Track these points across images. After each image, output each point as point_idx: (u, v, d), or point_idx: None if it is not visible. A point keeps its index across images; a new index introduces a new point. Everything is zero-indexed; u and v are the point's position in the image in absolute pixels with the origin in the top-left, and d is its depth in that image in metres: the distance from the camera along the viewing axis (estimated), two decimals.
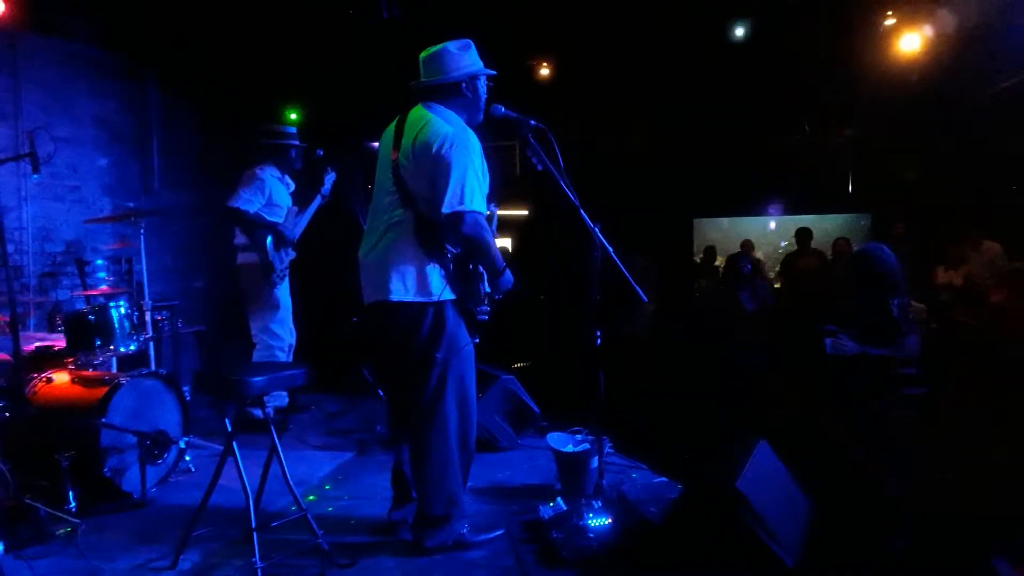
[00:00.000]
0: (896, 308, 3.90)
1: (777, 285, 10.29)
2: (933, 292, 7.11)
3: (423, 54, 3.23)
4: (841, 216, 10.65)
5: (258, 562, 2.87)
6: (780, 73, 7.94)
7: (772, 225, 11.68)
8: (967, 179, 7.85)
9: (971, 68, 6.97)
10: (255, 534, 2.91)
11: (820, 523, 3.18)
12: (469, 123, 3.21)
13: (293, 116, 7.58)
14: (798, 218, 10.60)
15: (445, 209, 2.96)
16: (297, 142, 5.32)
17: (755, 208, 10.95)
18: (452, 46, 3.19)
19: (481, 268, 3.23)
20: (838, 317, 3.99)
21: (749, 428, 3.49)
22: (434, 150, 3.00)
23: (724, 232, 11.32)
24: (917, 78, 7.30)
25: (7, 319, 3.74)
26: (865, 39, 7.39)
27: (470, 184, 2.99)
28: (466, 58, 3.20)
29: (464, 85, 3.19)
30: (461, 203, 2.96)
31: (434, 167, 3.00)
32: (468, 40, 3.23)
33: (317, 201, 5.42)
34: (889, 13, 7.20)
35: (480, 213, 3.03)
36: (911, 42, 7.15)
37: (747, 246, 10.34)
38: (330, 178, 5.45)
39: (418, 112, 3.17)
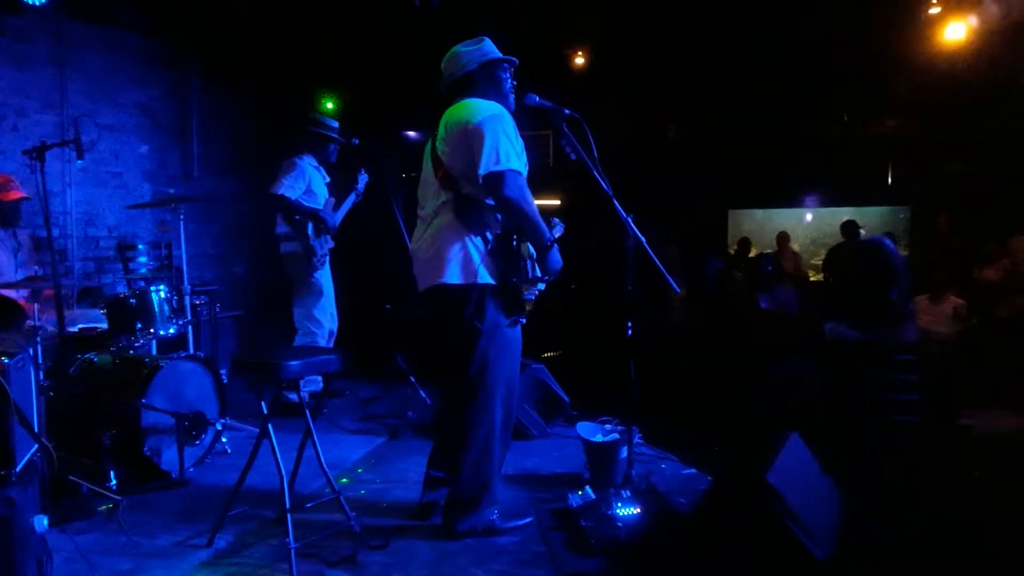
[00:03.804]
0: (896, 295, 3.88)
1: (815, 277, 10.16)
2: (976, 288, 6.98)
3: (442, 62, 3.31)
4: (880, 208, 10.47)
5: (292, 542, 2.91)
6: (818, 62, 7.80)
7: (808, 217, 11.52)
8: (1011, 172, 7.66)
9: (1017, 59, 6.79)
10: (289, 515, 2.96)
11: (851, 516, 3.15)
12: None
13: (330, 105, 7.65)
14: (835, 210, 10.44)
15: (482, 171, 2.98)
16: (337, 136, 5.39)
17: (791, 200, 10.82)
18: (462, 45, 3.27)
19: (530, 248, 3.22)
20: (838, 305, 3.97)
21: (780, 421, 3.47)
22: (466, 124, 3.06)
23: (759, 224, 11.19)
24: (961, 68, 7.13)
25: (51, 292, 3.84)
26: (907, 27, 7.23)
27: (504, 147, 3.01)
28: (478, 51, 3.24)
29: (478, 72, 3.22)
30: (498, 163, 2.98)
31: (468, 140, 3.04)
32: (481, 36, 3.28)
33: (351, 200, 5.51)
34: (933, 1, 7.03)
35: (519, 173, 3.04)
36: (956, 31, 6.98)
37: (783, 238, 10.21)
38: (363, 179, 5.55)
39: (452, 106, 3.22)
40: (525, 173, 3.15)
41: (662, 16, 7.33)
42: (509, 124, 3.11)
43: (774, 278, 7.17)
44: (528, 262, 3.22)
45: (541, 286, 3.29)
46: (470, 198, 3.11)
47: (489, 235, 3.14)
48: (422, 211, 3.30)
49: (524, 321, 3.30)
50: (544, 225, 3.15)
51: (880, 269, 3.86)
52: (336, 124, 5.45)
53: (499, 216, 3.15)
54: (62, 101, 5.77)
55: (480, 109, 3.09)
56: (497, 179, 2.98)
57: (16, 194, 4.46)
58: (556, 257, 3.21)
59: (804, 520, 2.81)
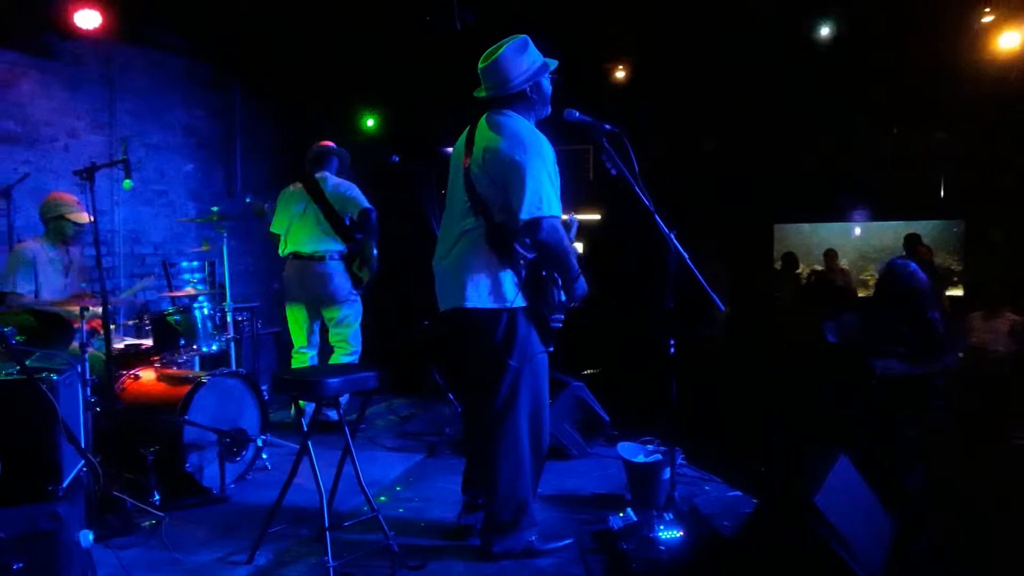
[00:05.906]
0: (940, 323, 3.81)
1: (863, 294, 9.92)
2: None
3: (481, 64, 3.15)
4: (931, 222, 10.18)
5: (330, 561, 2.92)
6: (867, 72, 7.64)
7: (857, 231, 11.25)
8: None
9: None
10: (328, 533, 2.96)
11: (903, 542, 3.04)
12: (538, 118, 3.22)
13: (371, 123, 7.72)
14: (884, 224, 10.18)
15: (524, 215, 2.94)
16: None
17: (839, 213, 10.57)
18: (509, 51, 3.08)
19: (555, 274, 3.19)
20: (879, 337, 3.88)
21: (829, 442, 3.37)
22: (505, 156, 3.00)
23: (805, 238, 10.97)
24: (1016, 78, 6.91)
25: (99, 322, 3.91)
26: (960, 36, 7.04)
27: (546, 189, 2.98)
28: (526, 60, 3.11)
29: (529, 90, 3.14)
30: (539, 209, 2.95)
31: (506, 173, 3.00)
32: (523, 37, 3.14)
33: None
34: (987, 9, 6.84)
35: (557, 218, 3.03)
36: (1010, 40, 6.78)
37: (831, 255, 9.98)
38: None
39: (488, 119, 3.16)
40: (559, 209, 3.11)
41: (704, 27, 7.26)
42: (550, 159, 3.07)
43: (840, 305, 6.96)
44: (554, 289, 3.18)
45: (561, 317, 3.23)
46: (503, 226, 3.06)
47: (520, 264, 3.11)
48: (448, 225, 3.24)
49: (551, 350, 3.26)
50: (575, 260, 3.15)
51: (914, 296, 3.78)
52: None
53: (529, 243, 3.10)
54: (111, 122, 5.91)
55: (521, 140, 3.02)
56: (535, 225, 2.96)
57: (87, 216, 4.48)
58: (582, 284, 3.19)
59: (852, 545, 2.72)
